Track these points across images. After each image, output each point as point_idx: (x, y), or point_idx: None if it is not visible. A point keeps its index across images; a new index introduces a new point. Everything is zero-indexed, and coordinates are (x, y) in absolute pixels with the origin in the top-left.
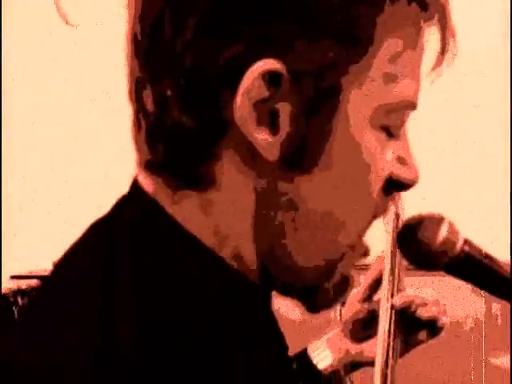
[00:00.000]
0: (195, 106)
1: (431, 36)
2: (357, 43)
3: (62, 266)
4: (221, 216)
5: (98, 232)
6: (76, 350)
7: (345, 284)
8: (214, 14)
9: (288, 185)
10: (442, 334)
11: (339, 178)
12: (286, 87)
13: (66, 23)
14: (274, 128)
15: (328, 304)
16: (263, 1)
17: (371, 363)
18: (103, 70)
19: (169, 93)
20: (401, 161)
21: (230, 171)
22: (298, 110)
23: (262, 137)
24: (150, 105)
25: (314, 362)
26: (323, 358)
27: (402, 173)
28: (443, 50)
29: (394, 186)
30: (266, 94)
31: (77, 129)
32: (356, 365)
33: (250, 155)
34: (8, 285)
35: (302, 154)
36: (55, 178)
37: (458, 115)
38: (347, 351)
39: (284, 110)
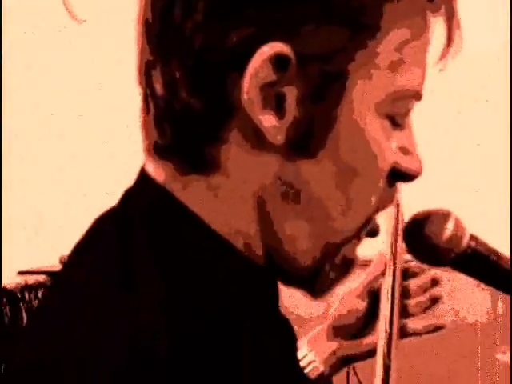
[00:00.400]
0: (203, 88)
1: (436, 28)
2: (364, 29)
3: (74, 259)
4: (226, 200)
5: (109, 223)
6: (99, 340)
7: (347, 265)
8: None
9: (293, 170)
10: (444, 331)
11: (344, 165)
12: (293, 71)
13: (72, 18)
14: (280, 112)
15: (330, 287)
16: None
17: (364, 357)
18: (106, 66)
19: (177, 75)
20: (405, 151)
21: (235, 155)
22: (305, 94)
23: (268, 120)
24: (159, 88)
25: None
26: (308, 361)
27: (405, 163)
28: (449, 42)
29: (398, 176)
30: (273, 77)
31: (80, 124)
32: (347, 360)
33: (256, 139)
34: (15, 280)
35: (308, 138)
36: (61, 173)
37: (460, 112)
38: (334, 350)
39: (290, 94)
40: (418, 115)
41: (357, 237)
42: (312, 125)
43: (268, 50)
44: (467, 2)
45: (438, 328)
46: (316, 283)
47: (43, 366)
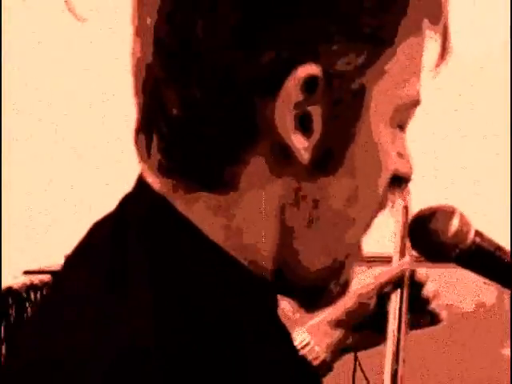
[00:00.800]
0: (227, 110)
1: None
2: (383, 44)
3: (72, 262)
4: (239, 218)
5: (106, 228)
6: (92, 345)
7: (344, 287)
8: (246, 18)
9: (312, 188)
10: (444, 324)
11: (357, 179)
12: (321, 91)
13: (75, 18)
14: (307, 131)
15: (326, 305)
16: (296, 5)
17: (364, 348)
18: (108, 66)
19: (198, 96)
20: (400, 155)
21: (254, 176)
22: (328, 112)
23: (299, 141)
24: (173, 107)
25: (301, 353)
26: (310, 348)
27: (403, 168)
28: (443, 54)
29: (394, 181)
30: (301, 97)
31: (82, 124)
32: (347, 349)
33: (280, 159)
34: (21, 280)
35: (329, 156)
36: (64, 173)
37: (459, 110)
38: (338, 338)
39: (316, 112)
40: (420, 115)
41: (357, 252)
42: (333, 142)
43: (302, 71)
44: (467, 6)
45: (437, 321)
46: (319, 300)
47: (42, 365)
